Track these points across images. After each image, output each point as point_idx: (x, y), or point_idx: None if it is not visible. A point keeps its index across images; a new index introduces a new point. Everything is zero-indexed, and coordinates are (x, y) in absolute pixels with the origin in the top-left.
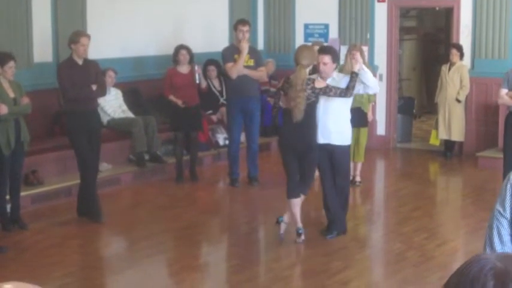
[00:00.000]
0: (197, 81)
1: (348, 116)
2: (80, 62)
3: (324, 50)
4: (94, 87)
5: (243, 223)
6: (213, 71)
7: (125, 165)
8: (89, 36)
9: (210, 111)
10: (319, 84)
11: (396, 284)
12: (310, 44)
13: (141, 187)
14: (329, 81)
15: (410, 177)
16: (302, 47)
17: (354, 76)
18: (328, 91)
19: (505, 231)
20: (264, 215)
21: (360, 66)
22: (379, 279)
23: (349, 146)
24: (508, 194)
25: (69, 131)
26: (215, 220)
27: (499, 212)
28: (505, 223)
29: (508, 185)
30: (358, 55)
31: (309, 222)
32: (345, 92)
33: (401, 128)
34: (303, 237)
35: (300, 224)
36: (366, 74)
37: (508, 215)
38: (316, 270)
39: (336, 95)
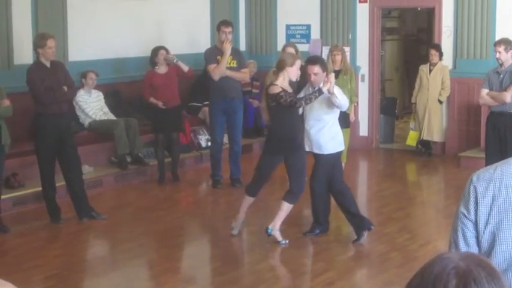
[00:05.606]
0: (174, 61)
1: (334, 124)
2: (48, 64)
3: (312, 61)
4: (65, 88)
5: (225, 225)
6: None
7: (106, 167)
8: (54, 37)
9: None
10: (273, 90)
11: (379, 285)
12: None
13: (123, 189)
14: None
15: (393, 177)
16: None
17: (315, 92)
18: (278, 98)
19: (470, 233)
20: (246, 217)
21: (329, 87)
22: (362, 280)
23: (338, 153)
24: (472, 196)
25: (39, 133)
26: (197, 222)
27: (463, 214)
28: (469, 225)
29: (471, 187)
30: (331, 76)
31: (294, 223)
32: (295, 102)
33: (384, 129)
34: (234, 232)
35: (235, 222)
36: (336, 98)
37: (472, 217)
38: (299, 271)
39: (285, 103)
